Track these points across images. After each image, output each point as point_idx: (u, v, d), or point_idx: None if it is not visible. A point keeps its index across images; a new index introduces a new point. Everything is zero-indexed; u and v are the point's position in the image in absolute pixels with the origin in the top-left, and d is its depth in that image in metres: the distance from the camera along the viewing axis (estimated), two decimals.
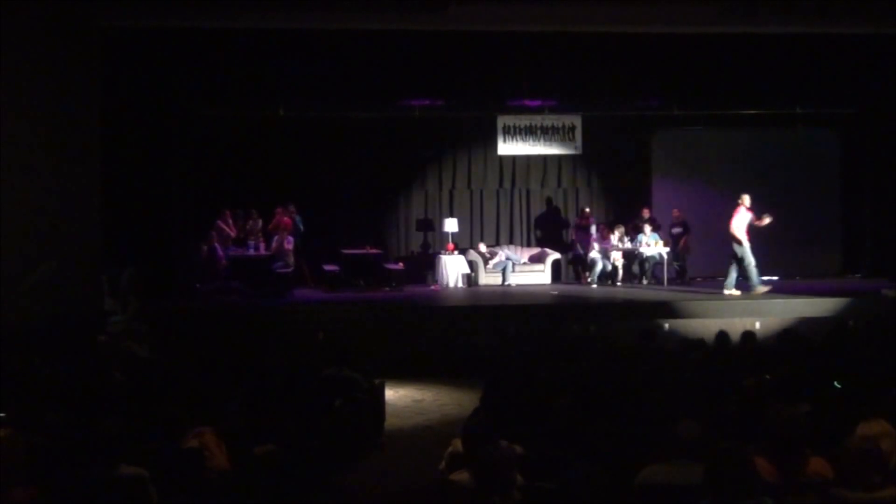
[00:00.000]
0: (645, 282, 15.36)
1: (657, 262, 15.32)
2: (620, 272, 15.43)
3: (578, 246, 15.99)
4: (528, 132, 16.38)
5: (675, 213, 15.69)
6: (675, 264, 15.61)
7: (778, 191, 16.59)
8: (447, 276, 15.22)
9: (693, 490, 4.04)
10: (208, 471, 5.14)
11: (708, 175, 16.55)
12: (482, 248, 16.04)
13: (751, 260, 12.84)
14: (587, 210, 16.19)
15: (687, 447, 4.41)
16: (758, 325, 11.55)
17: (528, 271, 15.82)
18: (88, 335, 9.09)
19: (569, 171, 16.84)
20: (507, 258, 15.73)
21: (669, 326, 11.78)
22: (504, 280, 15.52)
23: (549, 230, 16.95)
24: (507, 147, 16.43)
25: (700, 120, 16.58)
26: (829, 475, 4.27)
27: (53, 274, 9.57)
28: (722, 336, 8.57)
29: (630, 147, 16.73)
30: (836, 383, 6.46)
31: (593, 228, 15.72)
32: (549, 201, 16.96)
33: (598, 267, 15.20)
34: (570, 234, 16.32)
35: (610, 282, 15.30)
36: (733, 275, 12.94)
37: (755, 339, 8.57)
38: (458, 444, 5.14)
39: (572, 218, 16.88)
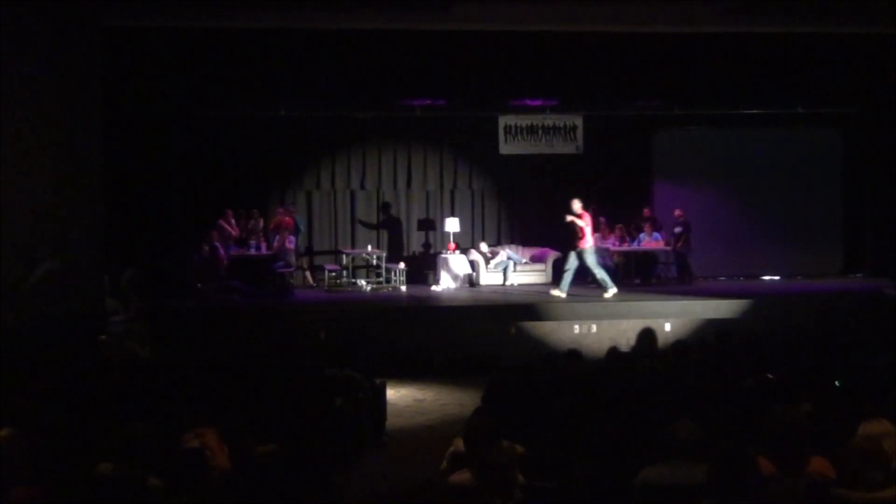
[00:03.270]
0: (652, 281, 15.35)
1: (658, 262, 15.31)
2: (621, 272, 15.43)
3: None
4: (530, 132, 16.36)
5: (678, 212, 15.68)
6: (677, 264, 15.60)
7: (779, 190, 16.62)
8: (448, 276, 15.22)
9: (693, 490, 4.04)
10: (210, 471, 5.14)
11: (709, 175, 16.57)
12: (483, 247, 16.03)
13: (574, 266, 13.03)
14: (593, 209, 16.11)
15: (686, 447, 4.41)
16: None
17: (529, 271, 15.81)
18: (89, 335, 9.09)
19: (570, 171, 16.83)
20: (509, 258, 15.72)
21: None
22: (505, 280, 15.51)
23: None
24: (509, 147, 16.41)
25: (701, 120, 16.59)
26: (830, 475, 4.27)
27: (55, 273, 9.57)
28: (722, 336, 8.58)
29: (631, 147, 16.72)
30: (836, 383, 6.46)
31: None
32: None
33: None
34: None
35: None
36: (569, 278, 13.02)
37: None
38: (459, 444, 5.14)
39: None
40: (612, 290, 12.85)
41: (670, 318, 11.86)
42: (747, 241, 16.44)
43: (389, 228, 16.80)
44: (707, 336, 9.41)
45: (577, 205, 12.99)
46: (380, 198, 16.73)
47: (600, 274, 12.96)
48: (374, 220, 16.69)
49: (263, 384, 6.85)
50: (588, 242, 12.85)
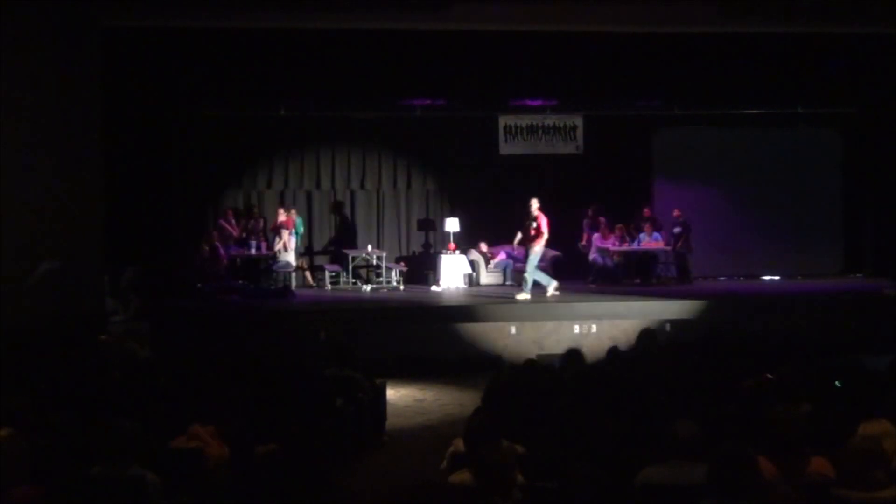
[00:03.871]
0: (652, 281, 15.34)
1: (658, 262, 15.30)
2: (621, 272, 15.42)
3: (587, 245, 15.92)
4: (530, 132, 16.37)
5: (676, 212, 15.67)
6: (676, 264, 15.59)
7: (779, 190, 16.63)
8: (448, 276, 15.21)
9: (693, 490, 4.04)
10: (209, 470, 5.14)
11: (709, 175, 16.57)
12: (483, 247, 16.03)
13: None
14: (593, 209, 16.09)
15: (686, 447, 4.41)
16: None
17: None
18: (89, 335, 9.08)
19: (570, 171, 16.82)
20: (509, 257, 15.72)
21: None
22: (505, 280, 15.51)
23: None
24: (509, 147, 16.41)
25: (701, 119, 16.60)
26: (830, 475, 4.27)
27: (56, 273, 9.57)
28: (721, 336, 8.58)
29: (631, 147, 16.72)
30: (836, 383, 6.46)
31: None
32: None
33: (599, 267, 15.21)
34: (583, 237, 16.12)
35: (610, 282, 15.28)
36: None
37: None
38: (459, 444, 5.14)
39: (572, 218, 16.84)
40: (526, 295, 12.73)
41: (670, 318, 11.85)
42: (747, 241, 16.44)
43: (389, 228, 16.78)
44: (707, 336, 9.40)
45: (534, 204, 12.94)
46: (380, 198, 16.73)
47: (533, 277, 12.86)
48: (375, 220, 16.69)
49: (263, 384, 6.85)
50: (539, 244, 12.79)
